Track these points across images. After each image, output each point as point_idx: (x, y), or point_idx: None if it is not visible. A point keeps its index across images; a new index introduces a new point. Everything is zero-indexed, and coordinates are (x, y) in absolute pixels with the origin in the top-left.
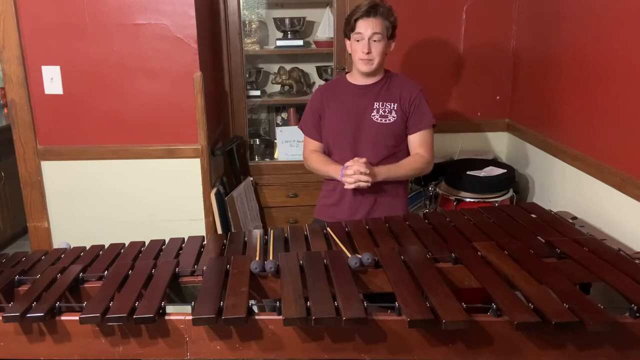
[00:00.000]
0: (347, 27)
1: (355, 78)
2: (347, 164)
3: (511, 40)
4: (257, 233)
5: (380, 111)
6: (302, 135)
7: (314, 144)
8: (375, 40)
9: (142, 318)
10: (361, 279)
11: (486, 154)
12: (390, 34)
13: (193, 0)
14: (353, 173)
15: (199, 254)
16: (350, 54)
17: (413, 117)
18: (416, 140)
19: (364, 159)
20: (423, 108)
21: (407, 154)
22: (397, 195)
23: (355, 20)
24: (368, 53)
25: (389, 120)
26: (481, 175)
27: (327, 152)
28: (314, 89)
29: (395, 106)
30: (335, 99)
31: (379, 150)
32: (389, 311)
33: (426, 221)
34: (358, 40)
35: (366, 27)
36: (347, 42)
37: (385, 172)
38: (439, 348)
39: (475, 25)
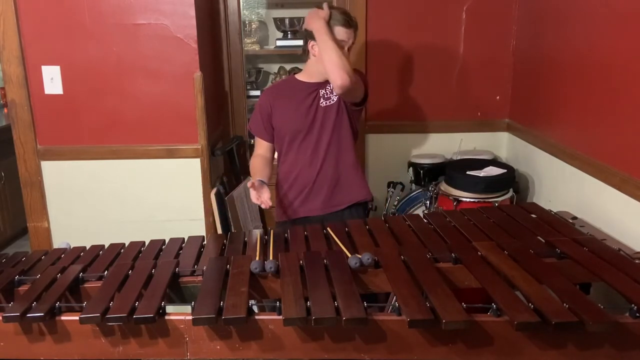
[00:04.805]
0: None
1: (311, 77)
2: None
3: (511, 40)
4: (257, 233)
5: (325, 96)
6: None
7: (263, 144)
8: (348, 49)
9: (142, 318)
10: (361, 279)
11: (486, 154)
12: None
13: (193, 0)
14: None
15: (199, 254)
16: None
17: None
18: None
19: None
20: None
21: (352, 130)
22: (358, 176)
23: (338, 28)
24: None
25: (333, 100)
26: (481, 175)
27: (285, 150)
28: None
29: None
30: (284, 98)
31: (328, 129)
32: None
33: (426, 221)
34: None
35: (348, 37)
36: (312, 44)
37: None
38: (439, 348)
39: (475, 25)
